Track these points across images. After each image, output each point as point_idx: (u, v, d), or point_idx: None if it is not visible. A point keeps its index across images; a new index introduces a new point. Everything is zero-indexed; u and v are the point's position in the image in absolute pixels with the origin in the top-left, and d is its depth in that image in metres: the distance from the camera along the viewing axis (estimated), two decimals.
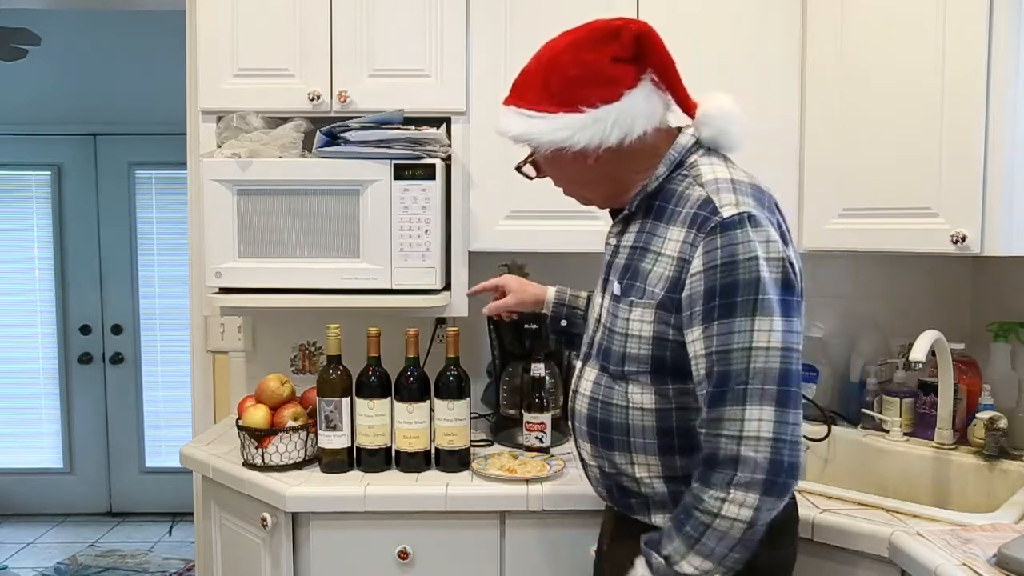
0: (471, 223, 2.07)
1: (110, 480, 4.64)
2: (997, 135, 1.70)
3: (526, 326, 2.10)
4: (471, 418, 1.92)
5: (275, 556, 1.82)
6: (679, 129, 1.36)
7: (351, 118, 1.95)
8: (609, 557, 1.47)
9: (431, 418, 1.89)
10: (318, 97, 2.01)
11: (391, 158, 1.92)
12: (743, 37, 2.02)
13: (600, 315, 1.39)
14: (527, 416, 1.97)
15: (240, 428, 1.90)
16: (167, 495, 4.48)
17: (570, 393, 1.45)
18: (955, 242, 1.74)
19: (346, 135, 1.93)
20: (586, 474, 1.48)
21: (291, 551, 1.80)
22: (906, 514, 1.56)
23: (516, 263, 2.40)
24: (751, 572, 1.24)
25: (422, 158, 1.94)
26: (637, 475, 1.34)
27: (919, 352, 1.76)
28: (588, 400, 1.38)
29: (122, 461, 4.62)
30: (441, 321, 2.35)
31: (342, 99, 2.01)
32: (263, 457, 1.87)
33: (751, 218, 1.19)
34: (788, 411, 1.17)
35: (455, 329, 1.88)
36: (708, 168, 1.29)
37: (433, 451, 1.90)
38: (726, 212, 1.20)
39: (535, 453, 1.93)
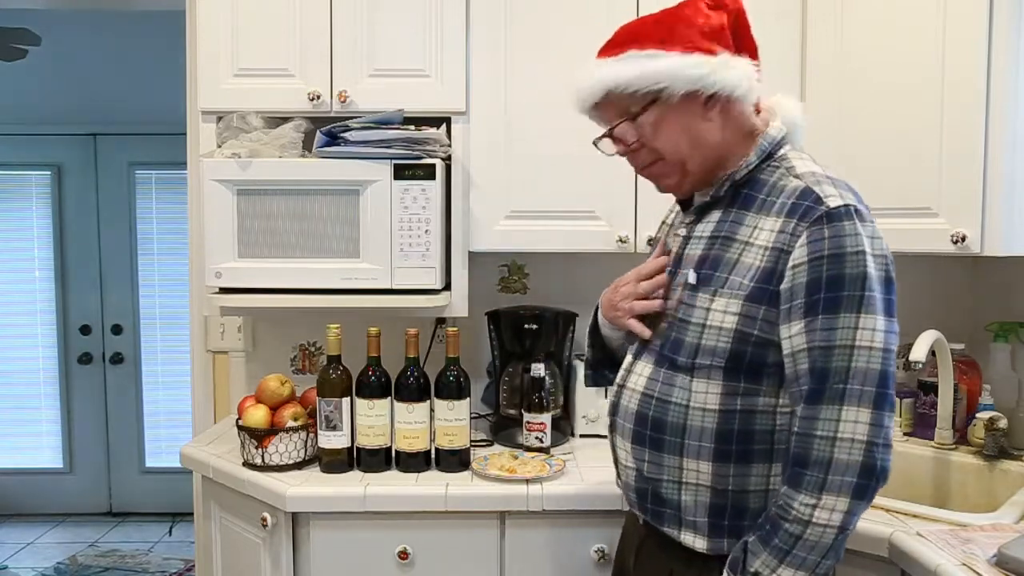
0: (471, 223, 2.07)
1: (110, 480, 4.63)
2: (997, 135, 1.70)
3: (526, 326, 2.11)
4: (471, 418, 1.92)
5: (275, 556, 1.82)
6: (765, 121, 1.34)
7: (351, 118, 1.95)
8: (639, 573, 1.41)
9: (431, 418, 1.89)
10: (318, 97, 2.01)
11: (391, 158, 1.92)
12: None
13: (666, 306, 1.33)
14: (527, 416, 1.97)
15: (240, 428, 1.90)
16: (167, 495, 4.48)
17: (616, 389, 1.39)
18: (955, 242, 1.74)
19: (346, 135, 1.93)
20: (618, 475, 1.42)
21: (291, 551, 1.80)
22: (906, 514, 1.56)
23: (516, 263, 2.40)
24: None
25: (422, 158, 1.94)
26: (683, 480, 1.27)
27: (919, 352, 1.76)
28: (640, 396, 1.32)
29: (122, 461, 4.62)
30: (441, 321, 2.35)
31: (342, 99, 2.01)
32: (263, 457, 1.87)
33: (857, 211, 1.18)
34: (884, 414, 1.16)
35: (455, 329, 1.88)
36: (800, 162, 1.28)
37: (433, 451, 1.90)
38: (832, 202, 1.17)
39: (535, 453, 1.93)
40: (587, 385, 1.64)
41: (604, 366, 1.58)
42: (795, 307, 1.17)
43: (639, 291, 1.37)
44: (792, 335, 1.18)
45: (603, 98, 1.29)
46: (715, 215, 1.31)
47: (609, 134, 1.32)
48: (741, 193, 1.29)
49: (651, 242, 1.55)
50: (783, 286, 1.18)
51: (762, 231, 1.23)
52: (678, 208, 1.48)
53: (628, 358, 1.40)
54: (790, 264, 1.18)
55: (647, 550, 1.39)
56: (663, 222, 1.57)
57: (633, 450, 1.33)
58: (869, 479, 1.14)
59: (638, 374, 1.34)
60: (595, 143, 1.36)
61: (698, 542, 1.27)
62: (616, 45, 1.29)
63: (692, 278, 1.28)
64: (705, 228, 1.32)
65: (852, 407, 1.14)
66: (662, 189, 1.38)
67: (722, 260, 1.26)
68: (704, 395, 1.24)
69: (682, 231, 1.37)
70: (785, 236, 1.19)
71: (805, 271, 1.16)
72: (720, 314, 1.23)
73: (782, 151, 1.31)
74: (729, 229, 1.28)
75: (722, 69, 1.24)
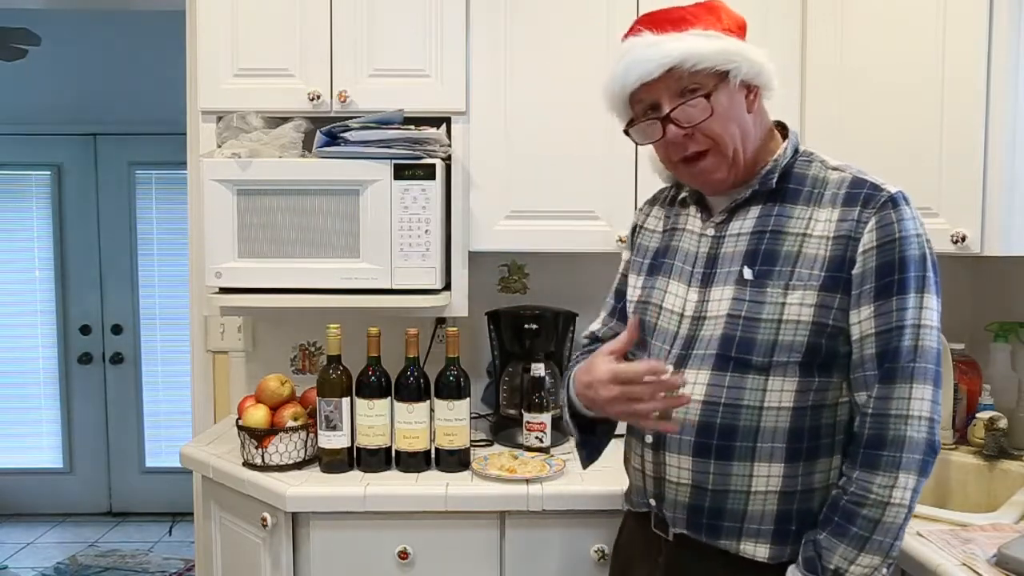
0: (471, 223, 2.07)
1: (110, 480, 4.63)
2: (997, 135, 1.70)
3: (526, 326, 2.11)
4: (471, 418, 1.92)
5: (275, 556, 1.82)
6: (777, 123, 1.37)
7: (351, 118, 1.95)
8: None
9: (431, 418, 1.89)
10: (318, 97, 2.01)
11: (391, 158, 1.92)
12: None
13: (706, 309, 1.28)
14: (527, 416, 1.97)
15: (240, 428, 1.90)
16: (167, 495, 4.48)
17: None
18: (955, 242, 1.74)
19: (346, 135, 1.93)
20: (659, 495, 1.32)
21: (291, 551, 1.80)
22: None
23: (516, 263, 2.40)
24: None
25: (422, 158, 1.94)
26: (752, 488, 1.24)
27: None
28: (702, 405, 1.25)
29: (122, 461, 4.62)
30: (441, 321, 2.35)
31: (342, 99, 2.01)
32: (263, 457, 1.87)
33: (907, 198, 1.22)
34: (939, 391, 1.20)
35: (455, 329, 1.88)
36: (826, 157, 1.31)
37: (433, 451, 1.90)
38: (891, 189, 1.22)
39: (535, 453, 1.93)
40: (585, 467, 1.52)
41: (591, 434, 1.48)
42: (865, 292, 1.19)
43: (633, 393, 1.22)
44: (862, 319, 1.20)
45: (663, 74, 1.23)
46: (753, 211, 1.29)
47: (667, 115, 1.24)
48: (780, 188, 1.28)
49: (621, 241, 1.48)
50: (855, 271, 1.20)
51: (818, 222, 1.23)
52: (656, 211, 1.47)
53: (668, 368, 1.29)
54: (860, 249, 1.19)
55: (682, 566, 1.32)
56: (638, 226, 1.50)
57: (695, 463, 1.27)
58: (930, 456, 1.17)
59: (691, 383, 1.27)
60: (629, 129, 1.31)
61: (760, 550, 1.25)
62: (671, 23, 1.25)
63: (748, 274, 1.25)
64: (743, 225, 1.29)
65: (920, 385, 1.17)
66: (703, 185, 1.33)
67: (778, 254, 1.24)
68: (779, 394, 1.23)
69: (710, 231, 1.33)
70: (850, 223, 1.20)
71: (875, 255, 1.19)
72: (797, 307, 1.21)
73: (804, 147, 1.33)
74: (776, 223, 1.26)
75: (768, 63, 1.27)
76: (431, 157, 1.95)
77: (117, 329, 4.57)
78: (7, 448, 4.58)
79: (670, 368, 1.27)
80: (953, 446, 1.94)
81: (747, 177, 1.30)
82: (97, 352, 4.58)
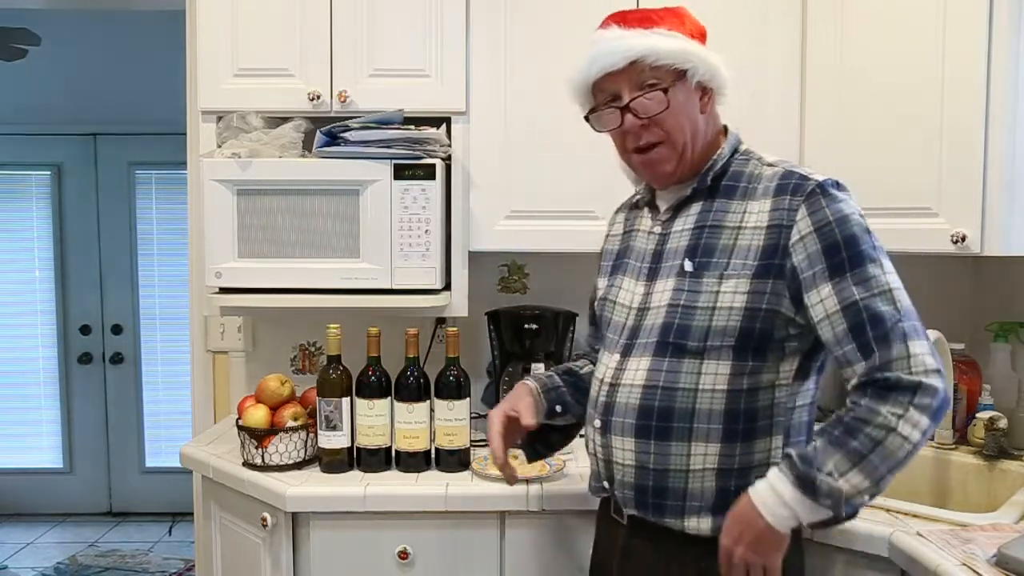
0: (471, 223, 2.07)
1: (110, 480, 4.64)
2: (997, 135, 1.70)
3: (526, 326, 2.11)
4: (471, 418, 1.92)
5: (275, 556, 1.82)
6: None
7: (351, 118, 1.95)
8: (631, 571, 1.41)
9: (431, 418, 1.89)
10: (318, 97, 2.01)
11: (391, 158, 1.92)
12: (743, 37, 2.02)
13: (650, 301, 1.37)
14: None
15: (240, 428, 1.90)
16: (167, 495, 4.48)
17: (607, 389, 1.39)
18: (955, 242, 1.74)
19: (346, 135, 1.93)
20: (604, 478, 1.42)
21: (291, 551, 1.80)
22: (906, 514, 1.56)
23: (516, 263, 2.41)
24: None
25: (422, 158, 1.94)
26: (691, 467, 1.31)
27: None
28: (642, 389, 1.34)
29: (122, 461, 4.62)
30: (441, 321, 2.35)
31: (342, 99, 2.01)
32: (263, 457, 1.87)
33: (839, 184, 1.29)
34: (932, 345, 1.22)
35: (455, 329, 1.88)
36: (764, 154, 1.39)
37: (433, 451, 1.90)
38: (818, 177, 1.28)
39: None
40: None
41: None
42: (817, 273, 1.24)
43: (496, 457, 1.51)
44: (823, 299, 1.24)
45: (625, 66, 1.32)
46: (694, 208, 1.38)
47: (626, 105, 1.33)
48: (718, 186, 1.37)
49: (602, 256, 1.59)
50: (797, 258, 1.26)
51: (751, 214, 1.31)
52: (620, 217, 1.58)
53: (615, 356, 1.41)
54: (794, 237, 1.26)
55: (635, 548, 1.40)
56: (607, 235, 1.61)
57: (636, 444, 1.34)
58: (943, 404, 1.19)
59: (634, 369, 1.36)
60: (589, 116, 1.40)
61: (703, 524, 1.31)
62: (638, 21, 1.34)
63: (689, 267, 1.33)
64: (686, 222, 1.38)
65: (916, 341, 1.20)
66: (648, 177, 1.42)
67: (716, 247, 1.32)
68: (714, 376, 1.29)
69: (657, 229, 1.42)
70: (781, 212, 1.27)
71: (816, 239, 1.24)
72: (730, 295, 1.28)
73: (744, 147, 1.42)
74: (715, 218, 1.34)
75: (722, 69, 1.36)
76: (431, 157, 1.95)
77: (117, 329, 4.57)
78: (7, 448, 4.58)
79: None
80: (953, 446, 1.94)
81: (693, 174, 1.38)
82: (97, 352, 4.58)
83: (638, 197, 1.52)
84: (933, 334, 1.80)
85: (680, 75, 1.32)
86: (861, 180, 1.90)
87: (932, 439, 1.97)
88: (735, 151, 1.40)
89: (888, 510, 1.58)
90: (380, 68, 2.02)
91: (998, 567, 1.30)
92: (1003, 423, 1.86)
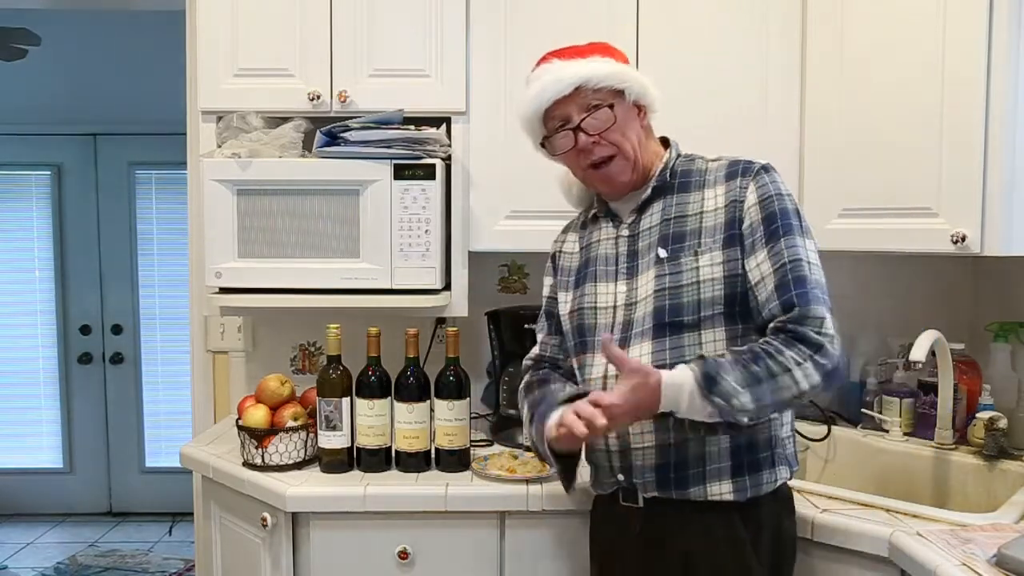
0: (471, 223, 2.07)
1: (110, 480, 4.64)
2: (997, 135, 1.70)
3: (526, 326, 2.10)
4: (471, 418, 1.92)
5: (275, 556, 1.82)
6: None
7: (351, 118, 1.95)
8: (652, 549, 1.47)
9: (431, 418, 1.89)
10: (318, 97, 2.01)
11: (391, 158, 1.92)
12: (743, 37, 2.02)
13: (636, 295, 1.48)
14: None
15: (240, 428, 1.90)
16: (167, 495, 4.48)
17: (607, 383, 1.46)
18: (955, 242, 1.74)
19: (346, 135, 1.93)
20: (626, 467, 1.48)
21: (291, 551, 1.80)
22: (906, 514, 1.56)
23: (516, 263, 2.41)
24: (779, 536, 1.47)
25: (422, 158, 1.94)
26: (707, 433, 1.41)
27: (919, 352, 1.76)
28: None
29: (122, 461, 4.62)
30: (441, 321, 2.35)
31: (342, 99, 2.01)
32: (263, 457, 1.87)
33: (773, 167, 1.48)
34: (834, 320, 1.38)
35: (455, 329, 1.88)
36: (704, 155, 1.56)
37: (433, 451, 1.90)
38: (761, 161, 1.48)
39: (535, 453, 1.93)
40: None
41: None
42: (757, 239, 1.42)
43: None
44: (760, 262, 1.41)
45: (571, 92, 1.46)
46: (656, 207, 1.52)
47: (577, 125, 1.47)
48: (674, 183, 1.52)
49: (558, 272, 1.67)
50: (744, 226, 1.43)
51: (709, 199, 1.48)
52: (571, 236, 1.67)
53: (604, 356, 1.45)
54: (746, 207, 1.43)
55: (656, 527, 1.47)
56: (557, 253, 1.70)
57: (655, 424, 1.43)
58: (838, 369, 1.37)
59: (636, 356, 1.44)
60: (545, 142, 1.54)
61: (724, 489, 1.43)
62: (576, 54, 1.50)
63: (663, 253, 1.47)
64: (652, 219, 1.52)
65: (825, 309, 1.37)
66: (607, 190, 1.55)
67: (685, 232, 1.47)
68: (713, 344, 1.42)
69: (624, 232, 1.54)
70: (735, 190, 1.45)
71: (759, 209, 1.42)
72: (708, 268, 1.43)
73: (683, 151, 1.58)
74: (678, 210, 1.50)
75: (651, 87, 1.52)
76: (431, 157, 1.95)
77: (117, 329, 4.57)
78: (7, 448, 4.59)
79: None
80: (953, 446, 1.94)
81: (643, 181, 1.53)
82: (97, 352, 4.58)
83: (592, 212, 1.64)
84: (933, 334, 1.81)
85: (618, 94, 1.48)
86: (861, 180, 1.91)
87: (932, 439, 1.97)
88: (679, 155, 1.56)
89: (888, 510, 1.58)
90: (380, 68, 2.02)
91: (998, 567, 1.30)
92: (1003, 423, 1.86)
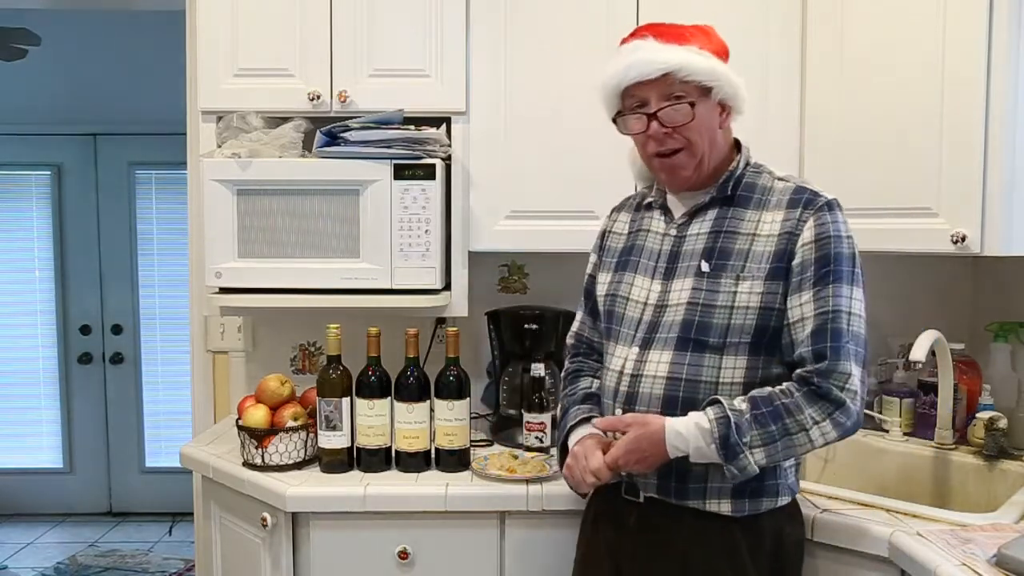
0: (471, 223, 2.07)
1: (110, 480, 4.63)
2: (997, 135, 1.70)
3: (526, 326, 2.11)
4: (471, 418, 1.92)
5: (275, 556, 1.82)
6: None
7: (351, 118, 1.95)
8: (651, 543, 1.48)
9: (431, 418, 1.89)
10: (318, 97, 2.01)
11: (391, 158, 1.92)
12: (743, 37, 2.01)
13: (668, 299, 1.46)
14: (527, 416, 1.97)
15: (240, 428, 1.90)
16: (167, 495, 4.48)
17: (628, 379, 1.47)
18: (955, 242, 1.74)
19: (346, 135, 1.93)
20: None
21: (291, 551, 1.80)
22: (906, 514, 1.56)
23: (516, 263, 2.41)
24: (782, 541, 1.46)
25: (422, 158, 1.94)
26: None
27: (919, 352, 1.76)
28: (665, 381, 1.43)
29: (122, 461, 4.62)
30: (441, 321, 2.35)
31: (342, 99, 2.01)
32: (263, 457, 1.87)
33: (840, 205, 1.43)
34: (866, 373, 1.38)
35: (455, 329, 1.88)
36: (774, 168, 1.51)
37: (433, 451, 1.90)
38: (828, 195, 1.42)
39: (535, 453, 1.93)
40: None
41: None
42: (806, 279, 1.38)
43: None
44: (803, 303, 1.38)
45: (658, 77, 1.41)
46: (710, 214, 1.48)
47: (654, 113, 1.42)
48: (734, 195, 1.48)
49: (603, 252, 1.67)
50: (795, 261, 1.39)
51: (765, 223, 1.43)
52: (623, 216, 1.64)
53: (633, 349, 1.49)
54: (800, 243, 1.39)
55: (654, 523, 1.47)
56: (607, 231, 1.68)
57: None
58: (855, 427, 1.36)
59: (655, 361, 1.45)
60: (616, 118, 1.49)
61: (723, 506, 1.42)
62: (675, 37, 1.44)
63: (705, 267, 1.44)
64: (702, 226, 1.48)
65: (856, 365, 1.35)
66: (668, 180, 1.51)
67: (732, 251, 1.43)
68: (732, 371, 1.41)
69: (672, 231, 1.52)
70: (792, 222, 1.40)
71: (813, 249, 1.38)
72: (746, 295, 1.40)
73: (753, 160, 1.53)
74: (730, 225, 1.46)
75: (742, 89, 1.47)
76: (431, 157, 1.95)
77: (117, 329, 4.57)
78: (7, 448, 4.58)
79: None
80: (953, 446, 1.94)
81: (707, 181, 1.49)
82: (97, 352, 4.58)
83: (648, 199, 1.59)
84: (933, 334, 1.81)
85: (706, 91, 1.43)
86: (861, 180, 1.91)
87: (932, 439, 1.97)
88: (747, 164, 1.51)
89: (888, 510, 1.58)
90: (380, 68, 2.02)
91: (998, 567, 1.30)
92: (1003, 423, 1.86)
